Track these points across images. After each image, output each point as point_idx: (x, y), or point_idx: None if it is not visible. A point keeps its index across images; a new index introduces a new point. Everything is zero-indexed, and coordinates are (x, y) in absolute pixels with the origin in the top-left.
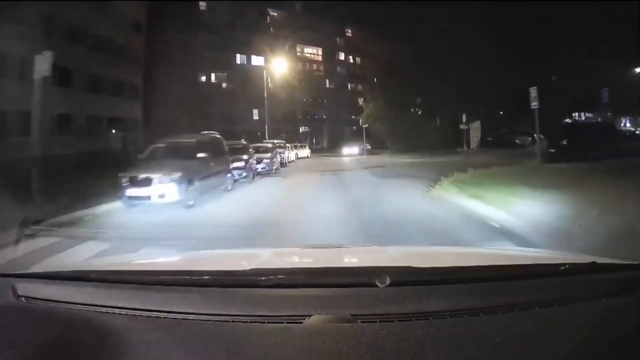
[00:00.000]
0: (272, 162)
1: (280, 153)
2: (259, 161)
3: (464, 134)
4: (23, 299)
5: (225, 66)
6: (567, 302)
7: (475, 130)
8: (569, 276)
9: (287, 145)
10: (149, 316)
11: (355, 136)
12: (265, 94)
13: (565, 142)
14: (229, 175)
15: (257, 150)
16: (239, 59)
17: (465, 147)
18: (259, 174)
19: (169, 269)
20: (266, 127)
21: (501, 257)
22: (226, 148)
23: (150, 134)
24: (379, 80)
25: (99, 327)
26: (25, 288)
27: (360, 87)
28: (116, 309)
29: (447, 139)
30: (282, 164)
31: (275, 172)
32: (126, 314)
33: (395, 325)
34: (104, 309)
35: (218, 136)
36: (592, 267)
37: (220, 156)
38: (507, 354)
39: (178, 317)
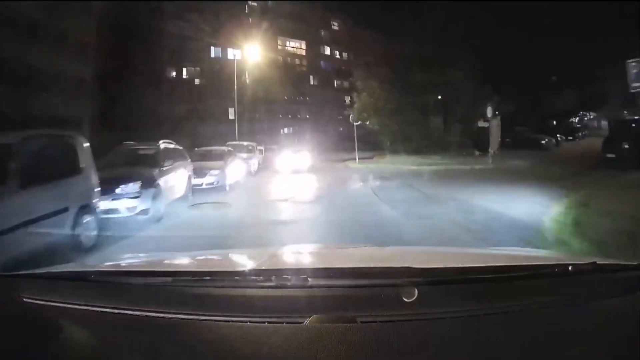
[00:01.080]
0: (223, 175)
1: (247, 159)
2: (200, 174)
3: (487, 134)
4: (24, 298)
5: (197, 60)
6: (567, 303)
7: (495, 129)
8: (569, 276)
9: (260, 148)
10: (149, 316)
11: (343, 137)
12: (235, 88)
13: (627, 145)
14: (84, 221)
15: (204, 156)
16: (214, 51)
17: (491, 150)
18: (195, 192)
19: (169, 270)
20: (236, 125)
21: (501, 257)
22: (84, 160)
23: (101, 136)
24: (378, 66)
25: (99, 327)
26: (27, 288)
27: (346, 84)
28: (116, 309)
29: (458, 139)
30: (249, 173)
31: (229, 189)
32: (126, 314)
33: (395, 325)
34: (104, 309)
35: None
36: (592, 267)
37: (39, 184)
38: (507, 355)
39: (178, 317)
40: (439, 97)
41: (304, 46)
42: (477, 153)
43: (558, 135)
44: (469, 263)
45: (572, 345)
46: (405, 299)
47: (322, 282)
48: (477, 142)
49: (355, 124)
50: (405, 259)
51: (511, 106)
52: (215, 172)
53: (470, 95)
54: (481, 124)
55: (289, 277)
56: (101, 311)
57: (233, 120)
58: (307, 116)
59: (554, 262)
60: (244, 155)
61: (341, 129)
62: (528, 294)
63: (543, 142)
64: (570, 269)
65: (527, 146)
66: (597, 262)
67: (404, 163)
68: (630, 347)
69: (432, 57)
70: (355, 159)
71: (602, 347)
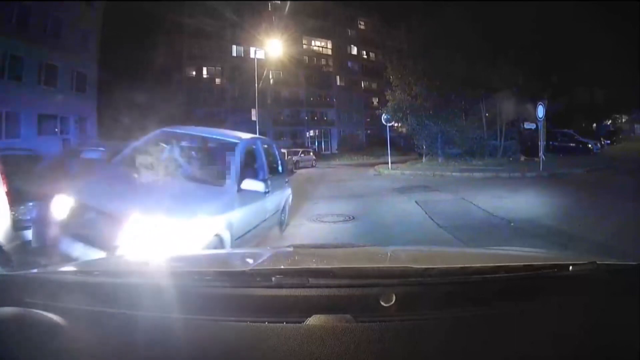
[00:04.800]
0: None
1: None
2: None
3: (534, 136)
4: (25, 299)
5: (218, 59)
6: (567, 303)
7: (542, 131)
8: (569, 276)
9: (282, 150)
10: (149, 316)
11: (372, 140)
12: (257, 89)
13: None
14: None
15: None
16: (235, 51)
17: (542, 156)
18: None
19: (169, 270)
20: (257, 127)
21: (501, 257)
22: None
23: (107, 137)
24: (414, 59)
25: (99, 327)
26: (27, 288)
27: (374, 85)
28: (116, 309)
29: (501, 142)
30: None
31: None
32: (126, 314)
33: (395, 325)
34: (105, 310)
35: None
36: (592, 267)
37: None
38: (508, 354)
39: (178, 317)
40: (483, 94)
41: (330, 45)
42: (522, 158)
43: (602, 138)
44: (469, 263)
45: (572, 346)
46: (405, 300)
47: (322, 282)
48: (523, 146)
49: (387, 124)
50: (406, 259)
51: (560, 105)
52: None
53: (517, 94)
54: (527, 125)
55: (289, 277)
56: (101, 311)
57: (255, 122)
58: (334, 118)
59: (554, 262)
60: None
61: (369, 131)
62: (528, 294)
63: (590, 145)
64: (570, 269)
65: (573, 150)
66: (597, 262)
67: (445, 169)
68: (631, 348)
69: (476, 49)
70: (387, 164)
71: (602, 347)
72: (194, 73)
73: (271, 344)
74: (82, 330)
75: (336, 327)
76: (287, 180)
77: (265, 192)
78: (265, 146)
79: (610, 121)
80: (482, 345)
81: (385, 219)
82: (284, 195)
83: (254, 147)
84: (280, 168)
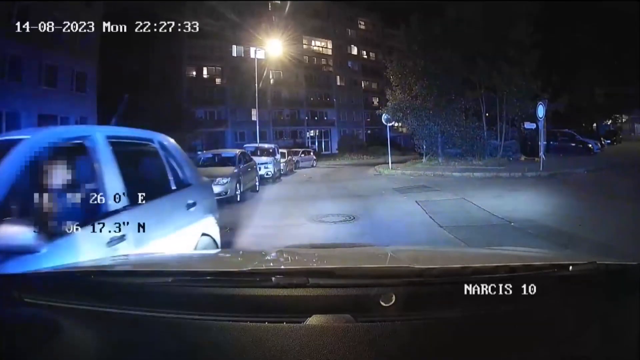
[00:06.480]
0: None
1: (265, 163)
2: None
3: (534, 136)
4: (25, 298)
5: (218, 59)
6: (566, 303)
7: (542, 131)
8: (569, 276)
9: (282, 151)
10: (149, 316)
11: (372, 140)
12: (257, 89)
13: None
14: None
15: None
16: (236, 51)
17: (542, 155)
18: None
19: (169, 270)
20: (257, 127)
21: (501, 257)
22: None
23: None
24: (414, 59)
25: (99, 327)
26: (27, 288)
27: (374, 85)
28: (116, 309)
29: (501, 141)
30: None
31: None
32: (126, 314)
33: (395, 325)
34: (104, 309)
35: None
36: (592, 267)
37: None
38: (508, 354)
39: (178, 317)
40: (483, 94)
41: (330, 45)
42: (522, 158)
43: (602, 138)
44: (468, 263)
45: (572, 346)
46: (405, 300)
47: (321, 282)
48: (523, 146)
49: (387, 124)
50: (406, 259)
51: (560, 105)
52: None
53: (518, 93)
54: (527, 125)
55: (289, 277)
56: (101, 311)
57: (255, 122)
58: (334, 118)
59: (554, 262)
60: (263, 159)
61: (369, 131)
62: (528, 294)
63: (590, 145)
64: (570, 269)
65: (573, 150)
66: (597, 262)
67: (445, 169)
68: (631, 348)
69: (476, 49)
70: (387, 164)
71: (602, 347)
72: (194, 73)
73: (271, 344)
74: (82, 330)
75: (336, 327)
76: (192, 202)
77: (111, 242)
78: (137, 144)
79: (610, 121)
80: (482, 345)
81: (385, 219)
82: (196, 230)
83: (83, 147)
84: (174, 184)
